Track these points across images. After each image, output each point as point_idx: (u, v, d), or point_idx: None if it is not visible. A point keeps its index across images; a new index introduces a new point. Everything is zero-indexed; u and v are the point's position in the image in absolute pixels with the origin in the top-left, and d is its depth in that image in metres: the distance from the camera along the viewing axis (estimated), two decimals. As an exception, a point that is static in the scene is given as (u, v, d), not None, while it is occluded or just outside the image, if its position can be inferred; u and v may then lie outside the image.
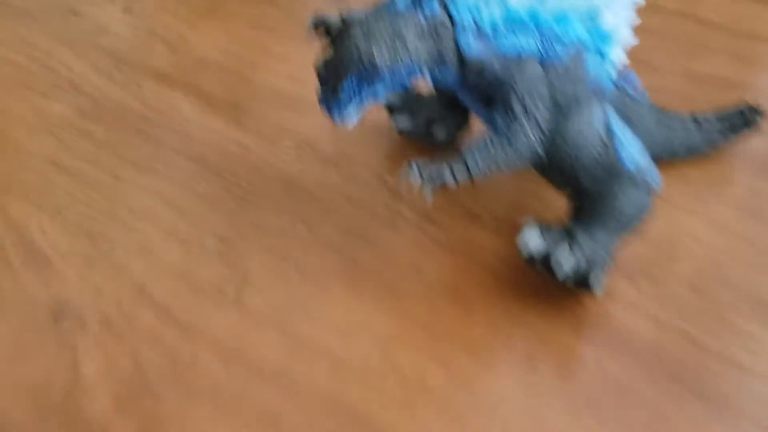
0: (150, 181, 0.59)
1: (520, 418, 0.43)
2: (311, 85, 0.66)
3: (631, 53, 0.71)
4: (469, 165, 0.46)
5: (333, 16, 0.47)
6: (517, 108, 0.45)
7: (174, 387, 0.45)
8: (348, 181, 0.59)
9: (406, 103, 0.58)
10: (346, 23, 0.45)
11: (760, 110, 0.58)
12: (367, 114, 0.62)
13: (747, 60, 0.71)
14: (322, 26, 0.47)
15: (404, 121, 0.58)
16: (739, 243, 0.53)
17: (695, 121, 0.57)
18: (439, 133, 0.57)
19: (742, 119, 0.58)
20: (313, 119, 0.63)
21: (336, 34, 0.45)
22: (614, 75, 0.50)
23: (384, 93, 0.45)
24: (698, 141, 0.58)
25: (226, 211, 0.56)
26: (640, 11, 0.78)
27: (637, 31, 0.74)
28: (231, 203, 0.57)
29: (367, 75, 0.44)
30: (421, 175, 0.45)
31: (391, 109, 0.59)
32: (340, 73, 0.44)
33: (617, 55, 0.47)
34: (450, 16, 0.44)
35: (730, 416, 0.43)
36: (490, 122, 0.47)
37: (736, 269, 0.51)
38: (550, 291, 0.50)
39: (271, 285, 0.51)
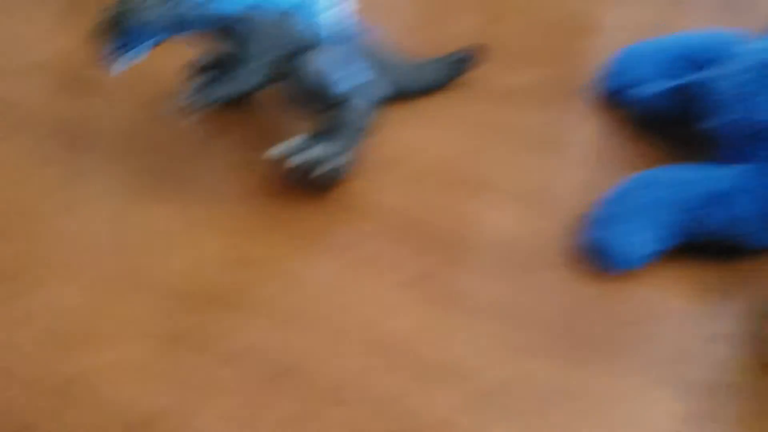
0: None
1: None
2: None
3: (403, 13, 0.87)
4: (223, 89, 0.63)
5: None
6: (242, 53, 0.62)
7: None
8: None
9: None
10: None
11: (476, 50, 0.76)
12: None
13: (490, 18, 0.88)
14: None
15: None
16: (463, 149, 0.71)
17: (428, 64, 0.75)
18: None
19: (462, 59, 0.76)
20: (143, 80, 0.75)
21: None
22: (337, 28, 0.65)
23: (143, 51, 0.60)
24: (429, 79, 0.75)
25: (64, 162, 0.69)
26: None
27: None
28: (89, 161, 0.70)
29: (138, 28, 0.58)
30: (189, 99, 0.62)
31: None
32: (116, 25, 0.58)
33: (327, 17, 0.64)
34: None
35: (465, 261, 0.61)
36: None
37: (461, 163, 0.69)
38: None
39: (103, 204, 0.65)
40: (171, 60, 0.69)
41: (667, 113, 0.72)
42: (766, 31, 0.72)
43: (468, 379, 0.54)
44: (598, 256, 0.62)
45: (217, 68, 0.70)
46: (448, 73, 0.76)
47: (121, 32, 0.59)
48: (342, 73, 0.64)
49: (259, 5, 0.61)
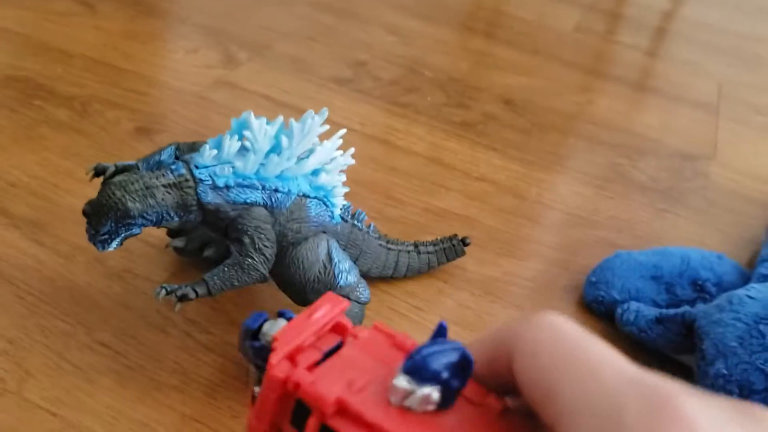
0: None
1: None
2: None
3: (382, 189, 0.85)
4: (209, 284, 0.56)
5: (110, 164, 0.57)
6: (247, 242, 0.57)
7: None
8: (128, 291, 0.66)
9: (183, 227, 0.66)
10: (112, 174, 0.56)
11: (467, 242, 0.73)
12: (152, 234, 0.71)
13: (474, 197, 0.87)
14: (100, 172, 0.57)
15: (180, 242, 0.66)
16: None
17: (416, 248, 0.71)
18: (210, 253, 0.65)
19: (453, 248, 0.73)
20: None
21: (103, 182, 0.54)
22: (340, 214, 0.63)
23: (140, 230, 0.55)
24: (417, 264, 0.72)
25: (16, 315, 0.62)
26: (392, 153, 0.92)
27: (388, 170, 0.89)
28: (21, 309, 0.63)
29: (122, 218, 0.54)
30: (167, 291, 0.55)
31: (170, 231, 0.67)
32: (100, 216, 0.54)
33: (338, 201, 0.61)
34: (192, 175, 0.55)
35: None
36: (228, 250, 0.58)
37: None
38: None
39: (48, 378, 0.58)
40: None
41: (654, 340, 0.70)
42: (756, 268, 0.73)
43: None
44: None
45: (185, 233, 0.66)
46: (438, 259, 0.73)
47: (108, 220, 0.54)
48: (348, 264, 0.62)
49: (276, 190, 0.57)
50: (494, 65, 1.21)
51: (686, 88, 1.26)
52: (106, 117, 0.89)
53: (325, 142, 0.59)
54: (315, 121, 0.57)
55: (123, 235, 0.55)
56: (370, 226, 0.68)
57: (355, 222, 0.65)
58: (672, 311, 0.70)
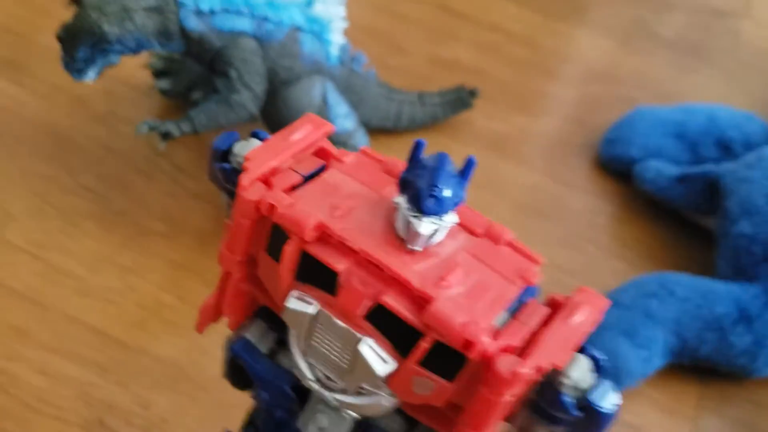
0: None
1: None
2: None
3: (383, 36, 0.78)
4: (194, 121, 0.53)
5: None
6: (234, 76, 0.53)
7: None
8: (113, 135, 0.63)
9: (169, 66, 0.63)
10: None
11: (476, 92, 0.68)
12: (136, 75, 0.66)
13: (485, 48, 0.80)
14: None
15: (166, 84, 0.63)
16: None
17: (420, 98, 0.66)
18: (198, 95, 0.61)
19: (460, 99, 0.68)
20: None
21: (76, 4, 0.50)
22: (337, 55, 0.57)
23: (118, 58, 0.52)
24: (421, 115, 0.66)
25: None
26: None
27: (392, 17, 0.82)
28: (1, 152, 0.60)
29: (98, 43, 0.50)
30: (149, 127, 0.52)
31: (155, 72, 0.63)
32: (75, 40, 0.50)
33: (335, 38, 0.56)
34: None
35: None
36: (214, 86, 0.54)
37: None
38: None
39: (31, 221, 0.56)
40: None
41: (673, 200, 0.66)
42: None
43: None
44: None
45: (171, 74, 0.62)
46: (443, 111, 0.68)
47: (83, 44, 0.50)
48: (344, 109, 0.57)
49: (266, 19, 0.53)
50: None
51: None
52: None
53: None
54: None
55: (100, 62, 0.51)
56: (370, 72, 0.62)
57: (354, 65, 0.60)
58: (695, 169, 0.65)
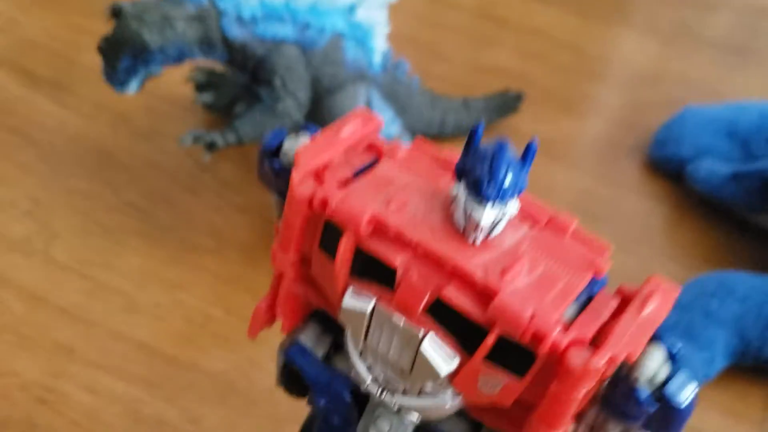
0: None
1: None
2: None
3: (425, 44, 0.78)
4: (239, 130, 0.52)
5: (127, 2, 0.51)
6: (278, 84, 0.52)
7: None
8: (156, 151, 0.62)
9: (211, 80, 0.62)
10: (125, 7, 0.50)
11: (522, 96, 0.67)
12: (178, 91, 0.66)
13: (528, 54, 0.79)
14: (117, 12, 0.51)
15: (209, 98, 0.62)
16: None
17: (465, 103, 0.65)
18: (241, 108, 0.61)
19: (505, 103, 0.67)
20: (132, 97, 0.63)
21: (116, 16, 0.50)
22: (380, 62, 0.57)
23: (159, 68, 0.51)
24: (467, 121, 0.65)
25: (41, 176, 0.59)
26: (438, 8, 0.84)
27: (433, 25, 0.81)
28: (46, 170, 0.60)
29: (140, 53, 0.50)
30: (194, 137, 0.52)
31: (197, 85, 0.62)
32: (116, 51, 0.50)
33: (378, 45, 0.55)
34: (215, 6, 0.51)
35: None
36: (258, 95, 0.54)
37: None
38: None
39: (76, 239, 0.56)
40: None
41: (727, 199, 0.64)
42: None
43: None
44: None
45: (213, 87, 0.62)
46: (489, 117, 0.67)
47: (125, 54, 0.50)
48: (389, 115, 0.57)
49: (308, 26, 0.52)
50: None
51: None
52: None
53: None
54: None
55: (142, 73, 0.51)
56: (413, 79, 0.61)
57: (397, 72, 0.59)
58: (749, 166, 0.63)
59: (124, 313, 0.52)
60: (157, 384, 0.49)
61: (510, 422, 0.28)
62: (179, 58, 0.51)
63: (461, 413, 0.30)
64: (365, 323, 0.27)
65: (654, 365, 0.25)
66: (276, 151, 0.30)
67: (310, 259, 0.30)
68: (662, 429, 0.26)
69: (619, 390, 0.26)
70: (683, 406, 0.25)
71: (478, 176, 0.25)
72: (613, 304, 0.27)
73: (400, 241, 0.26)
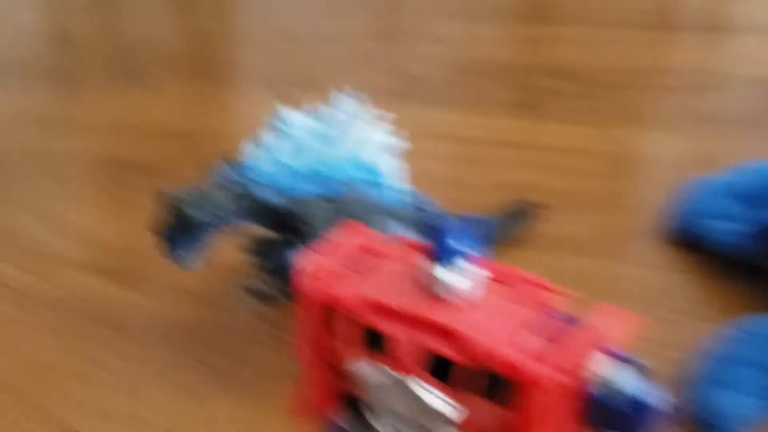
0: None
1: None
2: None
3: (451, 180, 0.87)
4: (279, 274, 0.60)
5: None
6: (305, 231, 0.59)
7: None
8: (228, 317, 0.70)
9: (261, 247, 0.68)
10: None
11: (535, 204, 0.74)
12: (237, 261, 0.72)
13: (543, 168, 0.87)
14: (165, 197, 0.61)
15: (262, 261, 0.68)
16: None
17: (484, 221, 0.72)
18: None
19: (522, 213, 0.74)
20: (192, 272, 0.72)
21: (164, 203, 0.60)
22: (404, 199, 0.63)
23: (209, 239, 0.60)
24: (493, 234, 0.71)
25: (126, 357, 0.67)
26: (460, 146, 0.94)
27: (457, 161, 0.91)
28: (132, 351, 0.67)
29: (189, 228, 0.59)
30: (244, 287, 0.61)
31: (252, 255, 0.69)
32: (170, 231, 0.59)
33: (393, 183, 0.62)
34: (246, 179, 0.60)
35: None
36: (289, 242, 0.61)
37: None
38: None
39: (169, 409, 0.61)
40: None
41: (750, 256, 0.68)
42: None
43: None
44: (703, 424, 0.56)
45: (267, 250, 0.68)
46: (506, 230, 0.73)
47: (177, 234, 0.59)
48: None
49: (327, 177, 0.60)
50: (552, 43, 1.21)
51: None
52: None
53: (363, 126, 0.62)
54: (347, 102, 0.60)
55: (197, 246, 0.59)
56: (439, 209, 0.68)
57: (424, 206, 0.66)
58: (761, 215, 0.67)
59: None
60: None
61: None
62: (224, 225, 0.59)
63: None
64: (376, 388, 0.34)
65: (615, 375, 0.30)
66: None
67: (333, 348, 0.36)
68: None
69: (590, 403, 0.31)
70: (642, 407, 0.30)
71: (431, 248, 0.32)
72: (570, 330, 0.32)
73: (391, 313, 0.33)
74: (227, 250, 0.70)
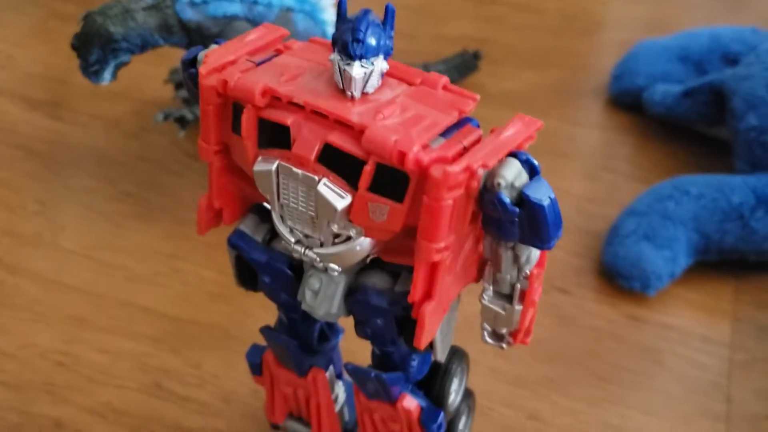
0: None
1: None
2: (121, 78, 0.70)
3: (400, 26, 0.78)
4: None
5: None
6: None
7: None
8: (146, 147, 0.69)
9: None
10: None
11: (479, 54, 0.72)
12: (159, 93, 0.73)
13: (489, 21, 0.85)
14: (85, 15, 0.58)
15: (185, 93, 0.67)
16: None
17: (425, 67, 0.69)
18: None
19: (464, 62, 0.72)
20: (121, 104, 0.72)
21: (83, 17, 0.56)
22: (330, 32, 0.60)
23: (128, 56, 0.57)
24: None
25: (45, 181, 0.65)
26: None
27: (398, 6, 0.81)
28: (49, 175, 0.66)
29: (107, 44, 0.56)
30: (165, 115, 0.60)
31: (175, 84, 0.68)
32: (87, 45, 0.56)
33: (329, 17, 0.60)
34: None
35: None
36: None
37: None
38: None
39: (81, 228, 0.62)
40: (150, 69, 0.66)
41: (683, 116, 0.67)
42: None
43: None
44: (622, 277, 0.57)
45: None
46: (451, 77, 0.70)
47: (94, 47, 0.56)
48: None
49: (255, 2, 0.57)
50: None
51: None
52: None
53: None
54: None
55: (112, 63, 0.56)
56: None
57: None
58: (699, 81, 0.67)
59: (128, 283, 0.58)
60: (161, 340, 0.54)
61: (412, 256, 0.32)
62: (143, 45, 0.57)
63: (381, 266, 0.34)
64: (274, 182, 0.32)
65: (511, 173, 0.29)
66: (193, 61, 0.35)
67: (230, 146, 0.35)
68: (533, 235, 0.30)
69: (487, 200, 0.30)
70: (541, 203, 0.29)
71: (345, 39, 0.30)
72: (478, 134, 0.31)
73: (291, 106, 0.31)
74: (153, 84, 0.68)
